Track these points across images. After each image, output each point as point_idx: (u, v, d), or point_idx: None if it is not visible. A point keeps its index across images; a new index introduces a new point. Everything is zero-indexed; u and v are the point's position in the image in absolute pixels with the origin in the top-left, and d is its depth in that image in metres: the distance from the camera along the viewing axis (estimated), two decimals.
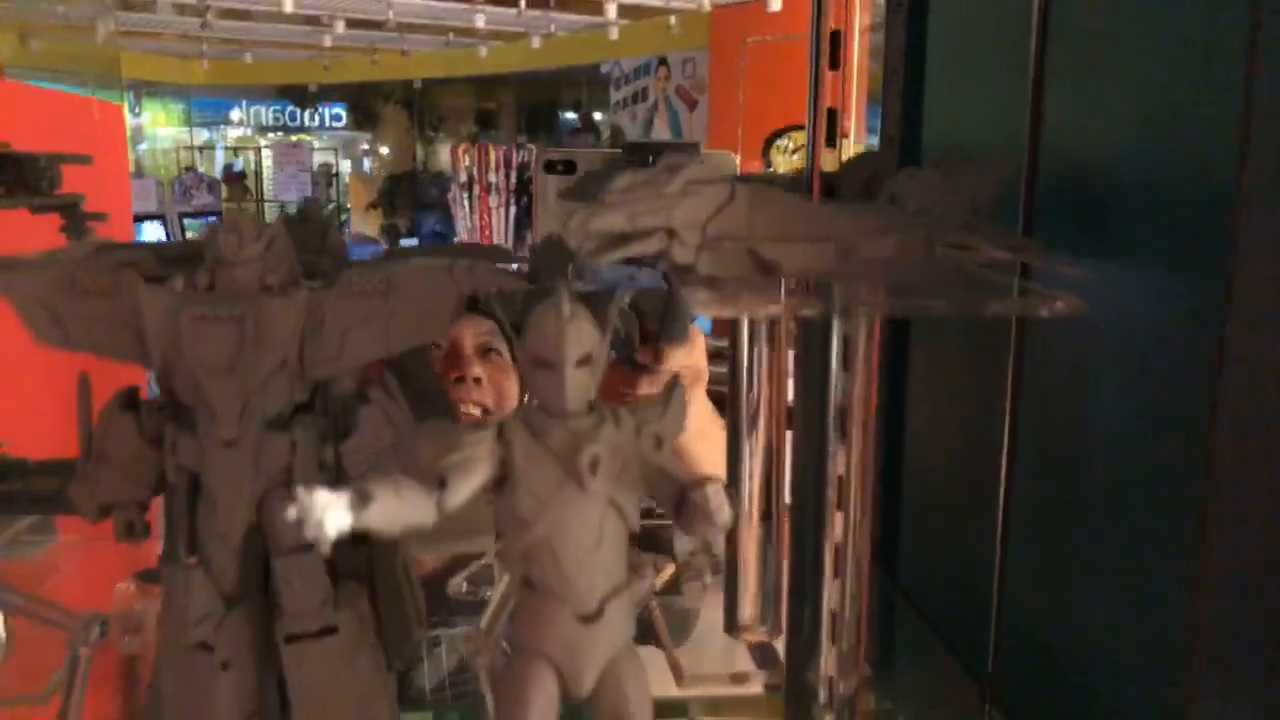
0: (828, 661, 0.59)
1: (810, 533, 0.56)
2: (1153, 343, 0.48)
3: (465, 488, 0.37)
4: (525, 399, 0.62)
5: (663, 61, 6.86)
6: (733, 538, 0.65)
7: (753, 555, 0.66)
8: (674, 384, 0.42)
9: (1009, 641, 0.65)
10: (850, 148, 0.60)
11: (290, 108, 11.34)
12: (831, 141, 0.53)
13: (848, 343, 0.45)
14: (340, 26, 7.26)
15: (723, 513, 0.39)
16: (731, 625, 0.69)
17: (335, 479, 0.49)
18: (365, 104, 10.89)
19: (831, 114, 0.52)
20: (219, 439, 0.45)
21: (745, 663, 0.73)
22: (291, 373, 0.46)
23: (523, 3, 6.16)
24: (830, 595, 0.57)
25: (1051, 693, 0.60)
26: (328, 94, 10.96)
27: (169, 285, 0.46)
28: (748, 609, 0.69)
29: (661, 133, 6.92)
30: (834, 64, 0.52)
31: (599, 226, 0.38)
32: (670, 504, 0.40)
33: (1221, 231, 0.42)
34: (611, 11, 6.12)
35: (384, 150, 11.36)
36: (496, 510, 0.39)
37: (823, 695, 0.59)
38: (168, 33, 7.80)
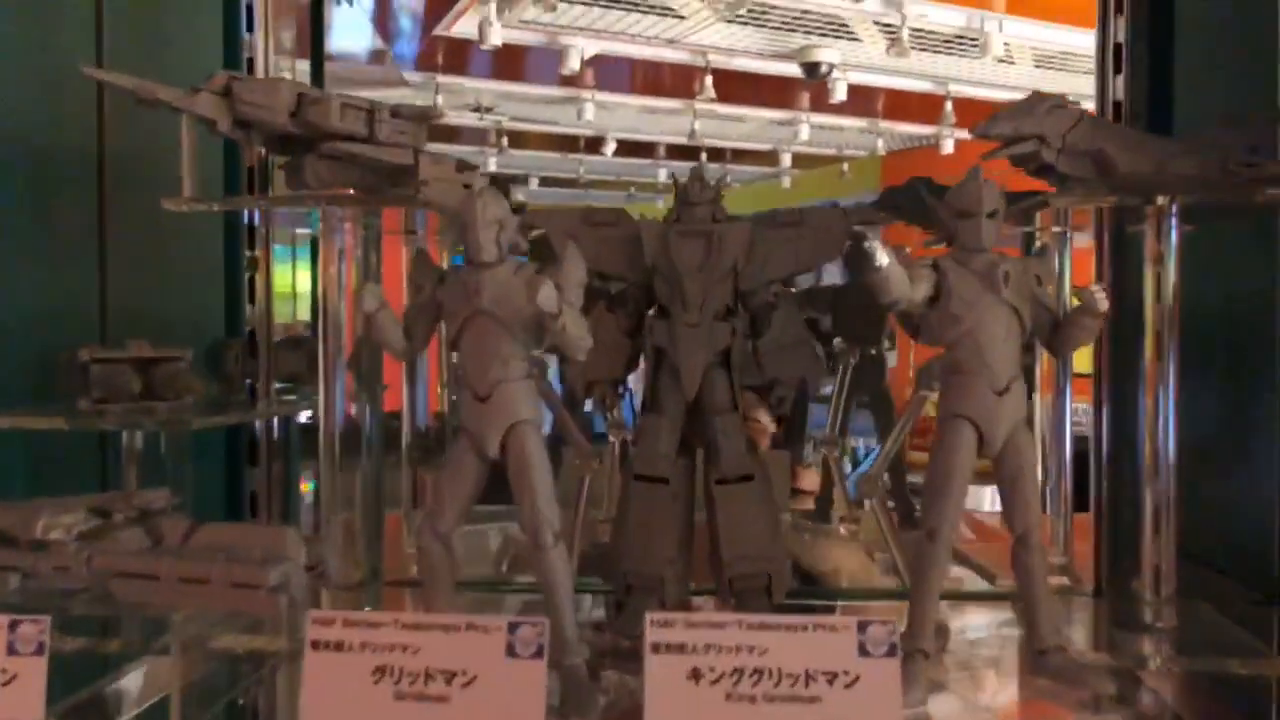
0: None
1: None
2: None
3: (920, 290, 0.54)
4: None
5: (834, 205, 7.14)
6: None
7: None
8: (1044, 247, 0.59)
9: None
10: None
11: None
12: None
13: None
14: (534, 184, 7.98)
15: (1104, 302, 0.54)
16: None
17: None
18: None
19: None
20: (686, 323, 0.64)
21: None
22: (733, 280, 0.65)
23: (703, 156, 6.61)
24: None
25: None
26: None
27: (651, 221, 0.66)
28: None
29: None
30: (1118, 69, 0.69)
31: (995, 130, 0.55)
32: (1046, 326, 0.56)
33: None
34: (786, 160, 6.48)
35: None
36: (928, 317, 0.55)
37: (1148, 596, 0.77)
38: None
